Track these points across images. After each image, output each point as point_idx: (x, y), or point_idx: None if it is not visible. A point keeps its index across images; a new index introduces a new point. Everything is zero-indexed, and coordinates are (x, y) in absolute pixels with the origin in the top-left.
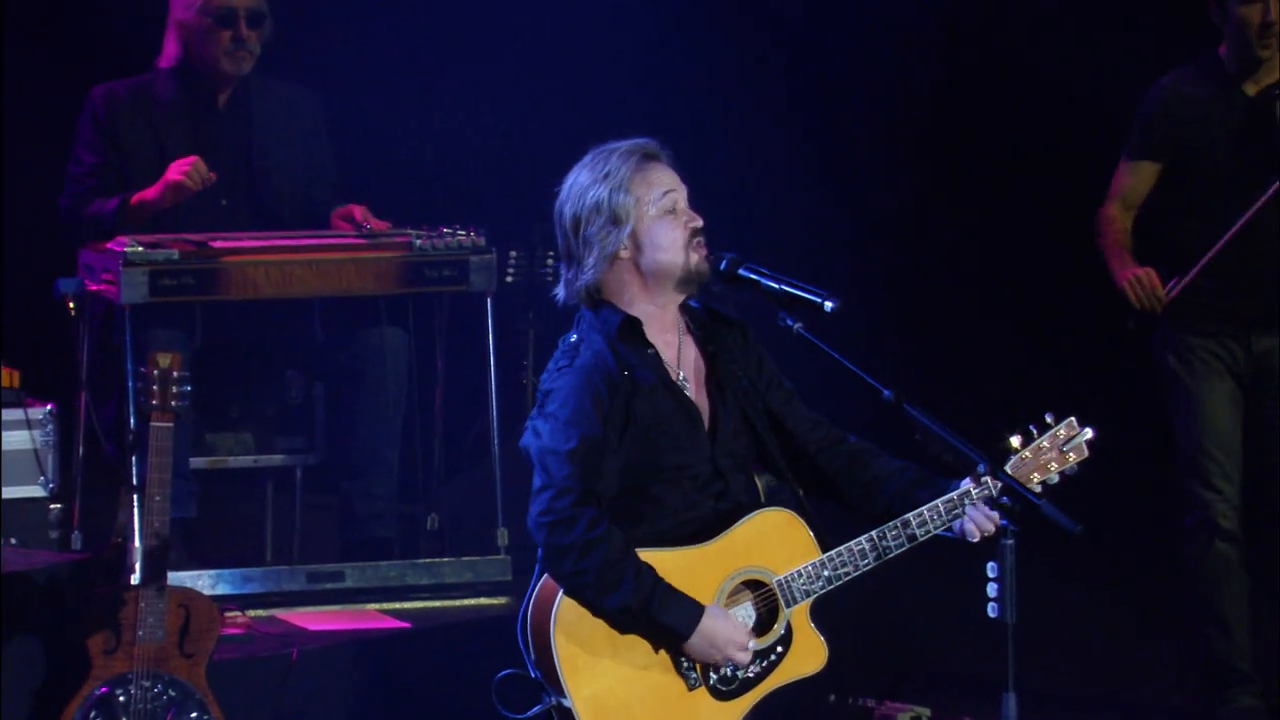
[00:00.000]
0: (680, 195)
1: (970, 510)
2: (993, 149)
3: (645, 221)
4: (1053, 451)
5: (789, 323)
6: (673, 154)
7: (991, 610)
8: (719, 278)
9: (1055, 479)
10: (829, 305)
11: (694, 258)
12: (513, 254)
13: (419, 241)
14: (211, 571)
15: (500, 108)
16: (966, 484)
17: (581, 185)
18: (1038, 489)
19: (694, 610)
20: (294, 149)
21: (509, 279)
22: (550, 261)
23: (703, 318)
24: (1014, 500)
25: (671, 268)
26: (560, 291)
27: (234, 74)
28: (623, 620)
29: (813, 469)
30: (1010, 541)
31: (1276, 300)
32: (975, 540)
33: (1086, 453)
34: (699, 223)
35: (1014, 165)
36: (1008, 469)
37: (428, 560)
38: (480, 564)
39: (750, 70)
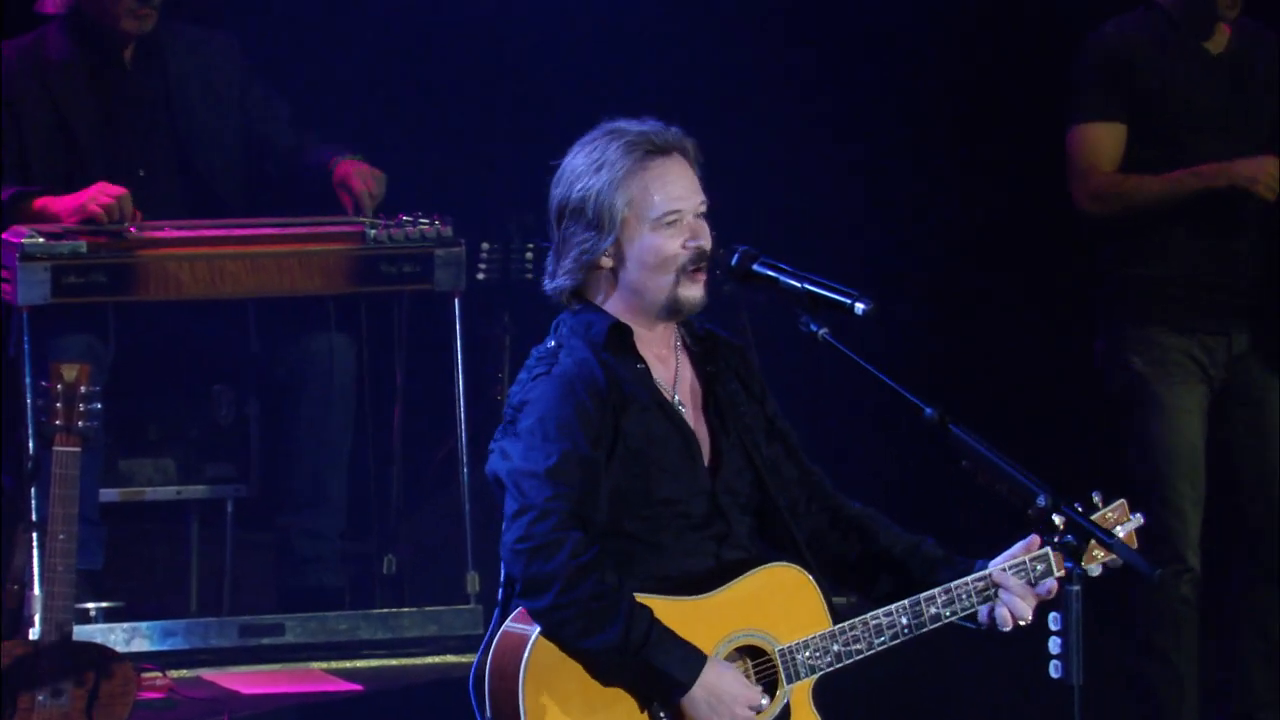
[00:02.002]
0: (688, 207)
1: (1006, 594)
2: (1043, 136)
3: (633, 232)
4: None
5: (813, 328)
6: (697, 145)
7: (1054, 670)
8: (730, 275)
9: (1096, 571)
10: (860, 307)
11: (686, 291)
12: (485, 246)
13: (373, 231)
14: (126, 624)
15: (471, 70)
16: (1002, 562)
17: (575, 171)
18: (1095, 572)
19: (696, 658)
20: (222, 103)
21: (480, 276)
22: (529, 255)
23: (700, 332)
24: (1080, 540)
25: (654, 294)
26: (546, 283)
27: (136, 33)
28: (610, 664)
29: (812, 535)
30: (1077, 588)
31: (1262, 292)
32: (1006, 629)
33: (1135, 544)
34: (705, 244)
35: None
36: (1049, 554)
37: (383, 610)
38: (446, 615)
39: (766, 47)
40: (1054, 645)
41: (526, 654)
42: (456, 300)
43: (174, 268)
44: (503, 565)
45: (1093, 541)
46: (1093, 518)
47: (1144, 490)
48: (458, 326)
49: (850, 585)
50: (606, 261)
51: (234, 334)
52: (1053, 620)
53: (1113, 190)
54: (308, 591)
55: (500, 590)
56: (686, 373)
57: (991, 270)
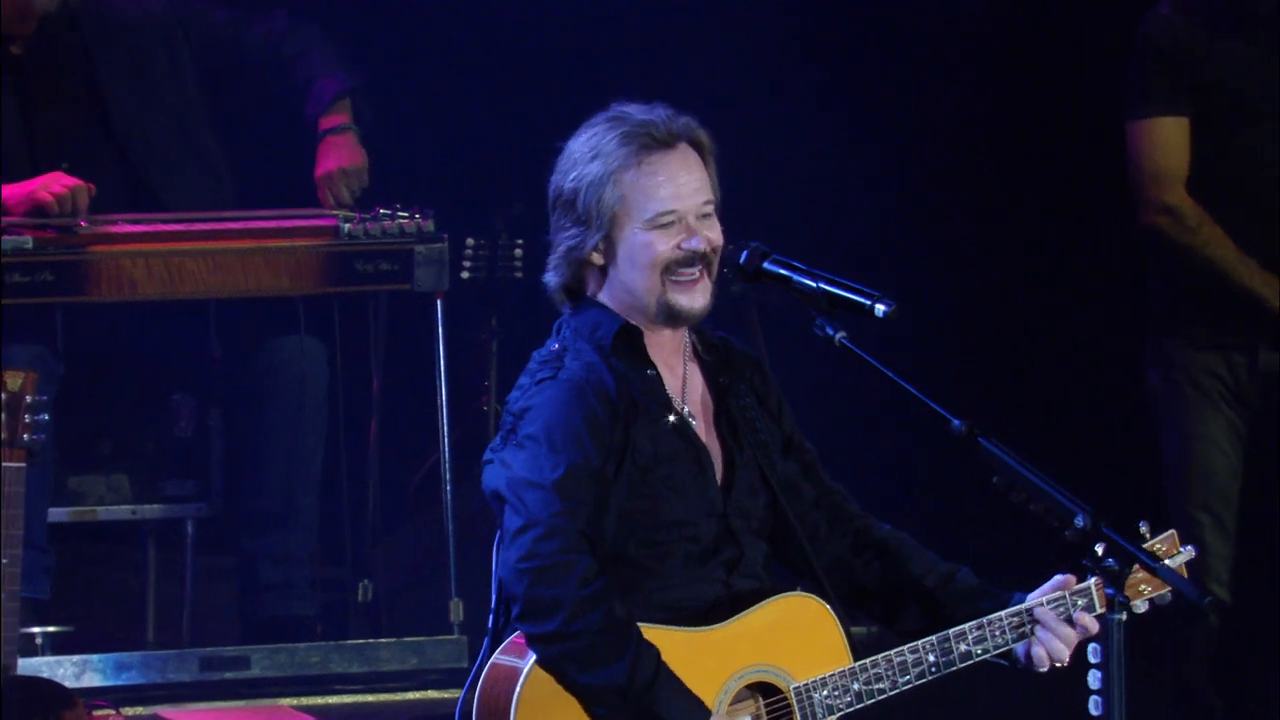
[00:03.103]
0: (686, 207)
1: (1043, 632)
2: (1076, 134)
3: (623, 229)
4: (1143, 572)
5: (829, 331)
6: (709, 137)
7: (1094, 707)
8: (739, 274)
9: (1143, 608)
10: (881, 309)
11: (677, 297)
12: (470, 242)
13: (348, 226)
14: (76, 657)
15: (456, 47)
16: (1040, 596)
17: (572, 157)
18: (1142, 608)
19: (701, 713)
20: (160, 85)
21: (465, 275)
22: (519, 253)
23: (715, 340)
24: (1123, 566)
25: (645, 298)
26: (547, 277)
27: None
28: (610, 704)
29: (833, 561)
30: (1119, 617)
31: None
32: (1042, 669)
33: (1185, 576)
34: (700, 247)
35: (1104, 154)
36: (1091, 588)
37: (359, 641)
38: (428, 646)
39: (784, 41)
40: (1093, 680)
41: (519, 688)
42: (439, 301)
43: (128, 266)
44: (493, 589)
45: (1138, 573)
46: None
47: (1174, 509)
48: (440, 330)
49: (874, 616)
50: (596, 258)
51: (194, 338)
52: (1092, 653)
53: (1187, 226)
54: (275, 621)
55: (490, 618)
56: (697, 383)
57: (1029, 269)
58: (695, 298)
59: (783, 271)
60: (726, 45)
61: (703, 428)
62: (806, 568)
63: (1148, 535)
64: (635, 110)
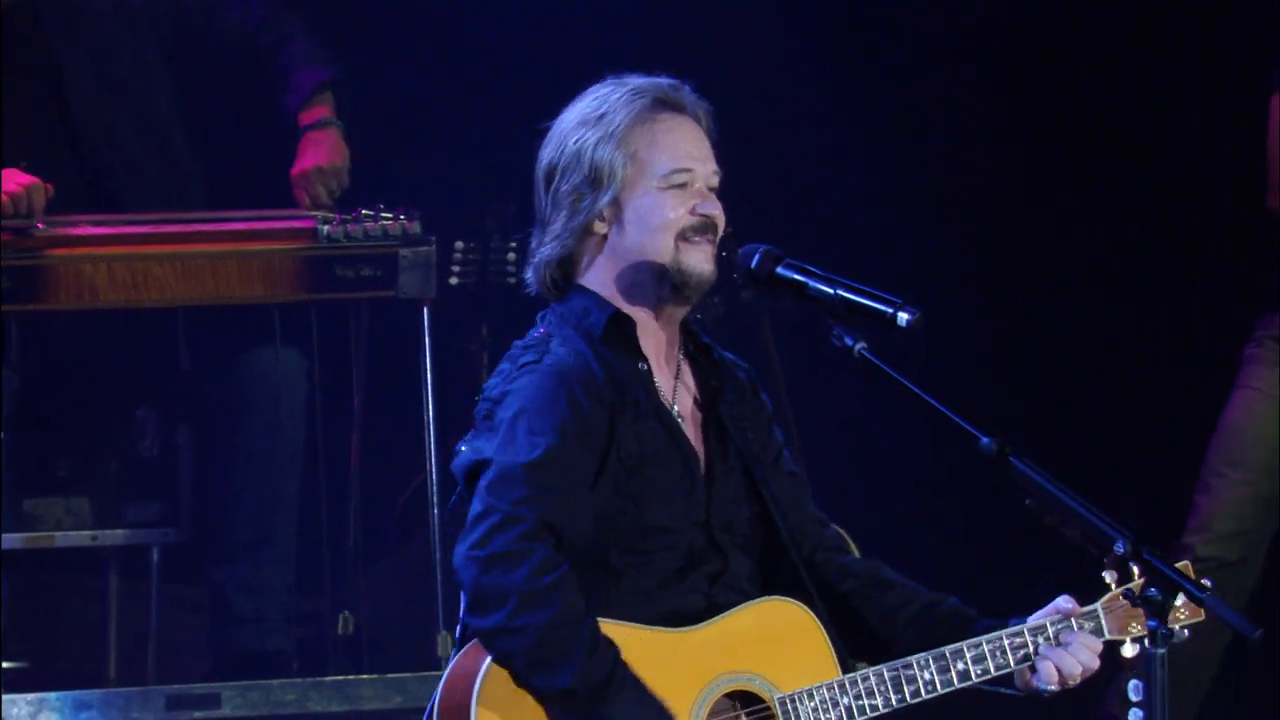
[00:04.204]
0: (701, 170)
1: (1048, 649)
2: (1115, 127)
3: (634, 190)
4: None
5: (847, 342)
6: (709, 108)
7: None
8: (750, 279)
9: (1184, 637)
10: (903, 317)
11: (689, 258)
12: (459, 246)
13: (327, 228)
14: (32, 695)
15: (442, 40)
16: (1040, 619)
17: (568, 125)
18: (1131, 651)
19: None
20: (124, 81)
21: (454, 280)
22: (512, 256)
23: (704, 341)
24: (1165, 594)
25: (653, 258)
26: (528, 273)
27: None
28: (562, 707)
29: (816, 583)
30: (1162, 651)
31: None
32: (1051, 689)
33: (1202, 614)
34: (714, 212)
35: (1145, 147)
36: (1099, 611)
37: (338, 678)
38: (412, 683)
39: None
40: (1135, 718)
41: (477, 686)
42: (425, 309)
43: (89, 271)
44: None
45: (1180, 600)
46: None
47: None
48: (427, 340)
49: (861, 651)
50: (600, 226)
51: (161, 350)
52: (1133, 689)
53: None
54: (248, 656)
55: (459, 628)
56: (688, 383)
57: (1060, 272)
58: (706, 261)
59: (797, 277)
60: (731, 37)
61: (691, 430)
62: (798, 588)
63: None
64: (635, 77)
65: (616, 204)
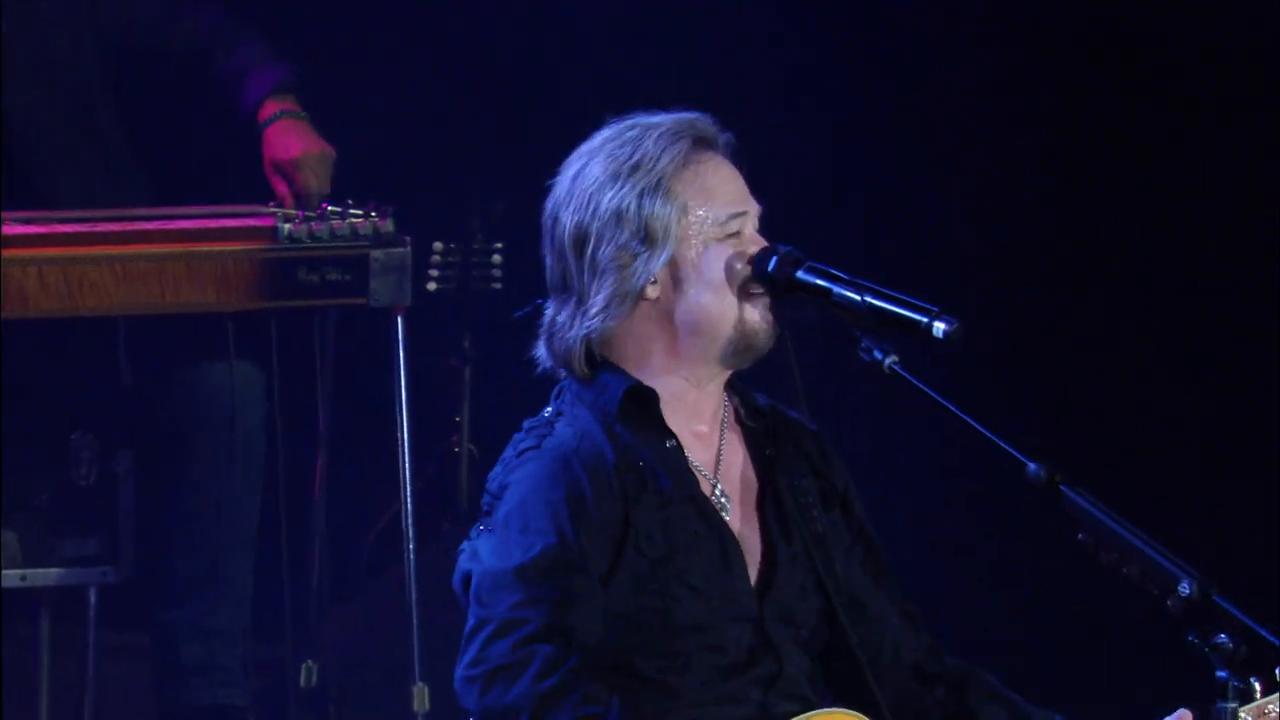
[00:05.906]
0: (752, 212)
1: None
2: (1161, 137)
3: (693, 247)
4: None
5: (877, 355)
6: (733, 140)
7: None
8: (768, 286)
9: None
10: (940, 328)
11: (753, 315)
12: (438, 246)
13: (288, 227)
14: None
15: (423, 22)
16: None
17: (594, 180)
18: None
19: None
20: (61, 56)
21: (432, 286)
22: (497, 259)
23: (757, 403)
24: (1238, 643)
25: (721, 324)
26: (541, 349)
27: None
28: None
29: (897, 692)
30: (1233, 705)
31: None
32: None
33: None
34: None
35: (1193, 159)
36: None
37: None
38: None
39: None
40: None
41: None
42: (399, 318)
43: (18, 276)
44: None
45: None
46: (1275, 695)
47: None
48: (401, 354)
49: None
50: (653, 291)
51: (99, 364)
52: None
53: None
54: (199, 711)
55: None
56: (736, 456)
57: (1115, 281)
58: (769, 316)
59: (821, 282)
60: (731, 33)
61: (739, 511)
62: (865, 695)
63: (1258, 693)
64: (653, 115)
65: (673, 263)
